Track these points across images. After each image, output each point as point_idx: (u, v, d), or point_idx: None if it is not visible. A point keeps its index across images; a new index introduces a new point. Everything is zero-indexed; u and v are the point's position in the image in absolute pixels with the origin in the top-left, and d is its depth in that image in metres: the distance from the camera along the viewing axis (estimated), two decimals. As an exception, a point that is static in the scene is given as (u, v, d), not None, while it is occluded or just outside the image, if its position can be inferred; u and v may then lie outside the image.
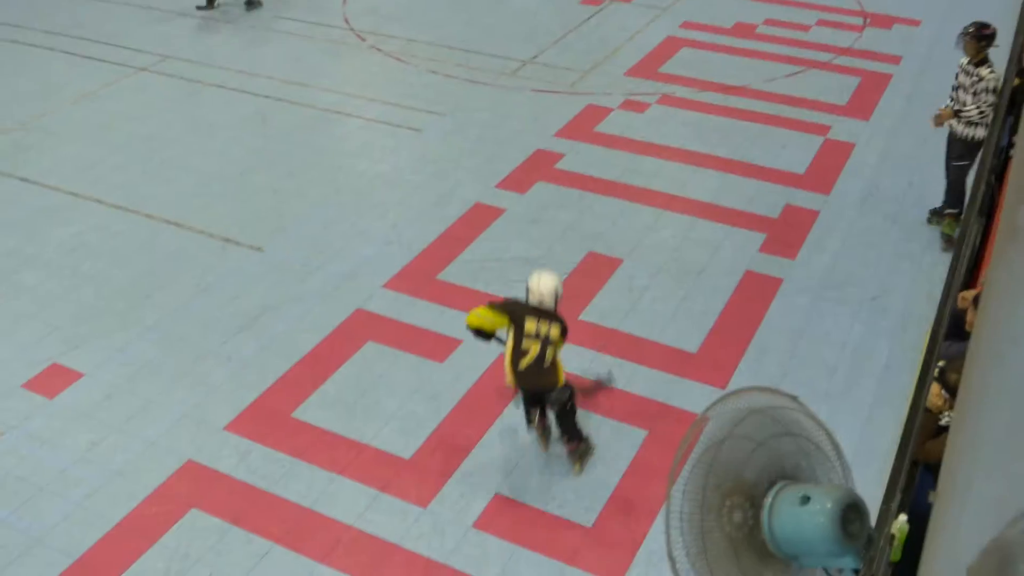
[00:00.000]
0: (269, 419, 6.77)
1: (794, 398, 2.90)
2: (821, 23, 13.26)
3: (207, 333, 7.62)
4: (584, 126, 10.62)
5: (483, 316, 6.11)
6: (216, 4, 14.11)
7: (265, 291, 8.09)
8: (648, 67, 12.04)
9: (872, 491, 5.83)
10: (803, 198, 9.19)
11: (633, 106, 11.04)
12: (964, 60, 8.28)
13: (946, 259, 8.00)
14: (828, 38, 12.78)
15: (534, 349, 5.99)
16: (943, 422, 4.85)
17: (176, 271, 8.34)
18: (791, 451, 2.80)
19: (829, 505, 2.58)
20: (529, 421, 6.49)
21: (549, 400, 6.19)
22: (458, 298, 7.90)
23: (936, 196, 8.78)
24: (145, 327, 7.68)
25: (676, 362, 7.20)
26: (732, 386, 6.93)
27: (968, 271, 6.17)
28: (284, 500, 6.15)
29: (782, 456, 2.78)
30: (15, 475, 6.36)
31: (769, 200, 9.18)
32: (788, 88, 11.32)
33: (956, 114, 8.26)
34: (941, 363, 5.05)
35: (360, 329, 7.62)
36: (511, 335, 6.11)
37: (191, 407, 6.89)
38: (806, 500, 2.62)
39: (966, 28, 8.18)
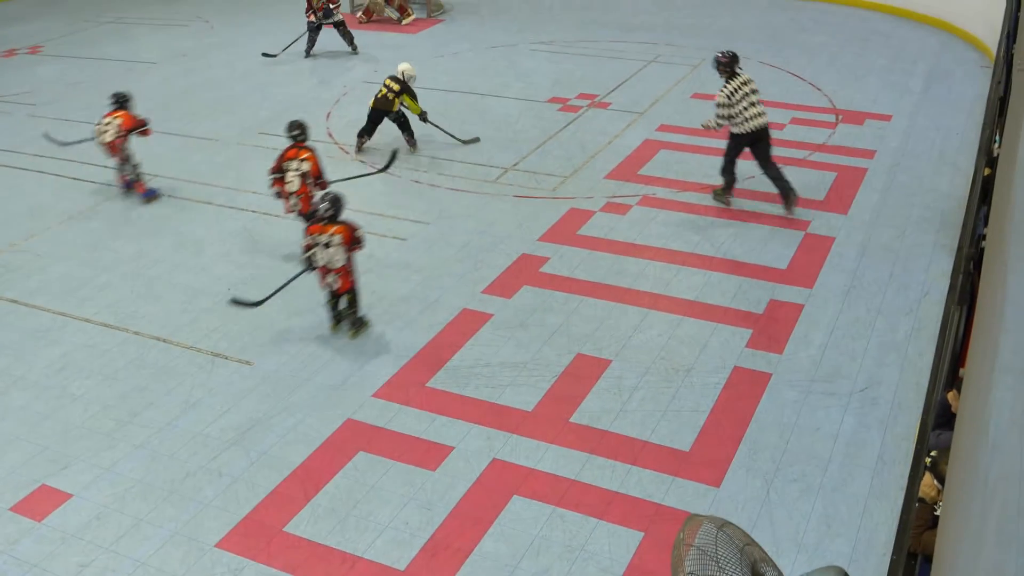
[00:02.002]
0: (261, 534, 6.69)
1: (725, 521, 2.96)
2: (795, 121, 13.59)
3: (196, 449, 7.57)
4: (567, 229, 10.78)
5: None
6: (312, 53, 18.04)
7: (254, 404, 8.07)
8: (627, 170, 12.28)
9: (872, 586, 5.76)
10: (787, 293, 9.30)
11: (615, 208, 11.22)
12: None
13: (931, 348, 8.07)
14: (803, 135, 13.08)
15: (383, 91, 12.73)
16: (938, 512, 4.84)
17: (164, 388, 8.32)
18: (760, 558, 2.87)
19: None
20: (367, 134, 13.07)
21: (391, 117, 12.70)
22: (448, 405, 7.89)
23: (916, 284, 8.94)
24: (133, 445, 7.63)
25: (669, 461, 7.17)
26: (727, 483, 6.90)
27: (953, 359, 6.23)
28: (277, 618, 6.04)
29: (754, 565, 2.85)
30: (2, 603, 6.25)
31: (753, 296, 9.27)
32: (767, 185, 11.52)
33: None
34: (933, 453, 5.07)
35: (351, 440, 7.59)
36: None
37: (181, 525, 6.81)
38: None
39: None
